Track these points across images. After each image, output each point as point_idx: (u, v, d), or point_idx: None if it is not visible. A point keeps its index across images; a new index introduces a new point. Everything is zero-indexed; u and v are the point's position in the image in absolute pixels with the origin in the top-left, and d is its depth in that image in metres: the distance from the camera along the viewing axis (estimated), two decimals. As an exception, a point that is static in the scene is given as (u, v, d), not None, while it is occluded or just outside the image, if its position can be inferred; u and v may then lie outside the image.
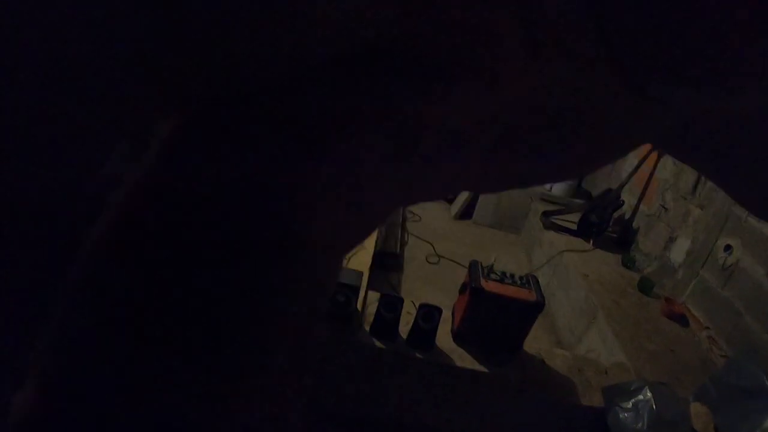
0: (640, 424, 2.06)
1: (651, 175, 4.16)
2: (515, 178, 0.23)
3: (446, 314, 2.25)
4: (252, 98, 0.14)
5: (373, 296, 2.35)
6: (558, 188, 5.02)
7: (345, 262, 2.53)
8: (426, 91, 0.15)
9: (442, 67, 0.14)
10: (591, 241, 4.21)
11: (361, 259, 2.67)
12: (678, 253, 3.70)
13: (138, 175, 0.15)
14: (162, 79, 0.13)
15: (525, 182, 0.25)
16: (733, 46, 0.15)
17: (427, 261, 4.20)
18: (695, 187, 3.68)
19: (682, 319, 3.24)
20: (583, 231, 4.29)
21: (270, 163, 0.14)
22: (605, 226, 4.25)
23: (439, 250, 4.34)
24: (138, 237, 0.15)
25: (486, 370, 2.16)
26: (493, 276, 2.16)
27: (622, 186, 4.26)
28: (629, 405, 2.14)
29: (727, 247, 3.21)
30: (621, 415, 2.12)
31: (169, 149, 0.15)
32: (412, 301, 2.38)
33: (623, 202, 4.34)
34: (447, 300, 2.34)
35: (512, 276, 2.19)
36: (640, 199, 4.31)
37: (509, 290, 2.12)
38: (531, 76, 0.16)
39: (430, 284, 3.77)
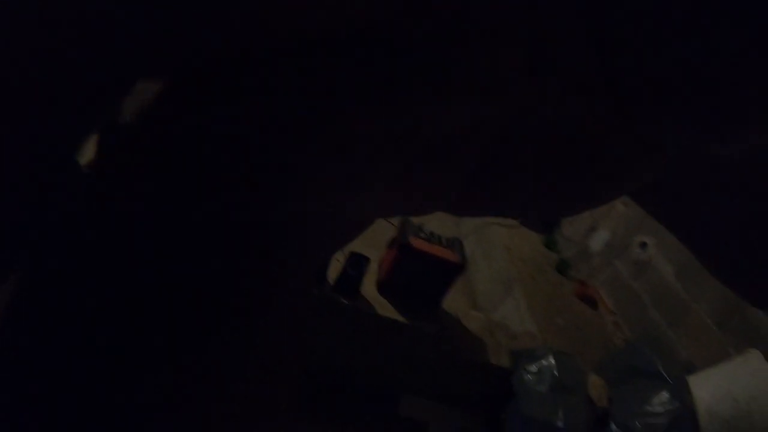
0: (541, 387, 2.19)
1: (583, 164, 4.30)
2: (494, 206, 0.22)
3: (373, 266, 2.31)
4: (240, 70, 0.13)
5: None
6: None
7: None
8: (424, 90, 0.14)
9: (443, 66, 0.14)
10: (518, 219, 4.34)
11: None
12: (597, 242, 3.86)
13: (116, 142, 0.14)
14: (146, 40, 0.12)
15: (503, 211, 0.24)
16: (740, 87, 0.15)
17: (359, 218, 4.21)
18: (622, 181, 3.83)
19: (592, 302, 3.41)
20: (513, 209, 4.40)
21: (253, 141, 0.14)
22: (534, 207, 4.38)
23: (372, 209, 4.35)
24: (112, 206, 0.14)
25: (406, 321, 2.23)
26: (421, 235, 2.23)
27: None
28: (534, 368, 2.26)
29: (643, 244, 3.38)
30: (525, 377, 2.25)
31: (148, 118, 0.14)
32: (342, 251, 2.41)
33: (554, 186, 4.48)
34: (375, 255, 2.38)
35: (439, 237, 2.26)
36: (570, 186, 4.46)
37: (435, 249, 2.20)
38: (526, 92, 0.16)
39: (360, 238, 3.80)
